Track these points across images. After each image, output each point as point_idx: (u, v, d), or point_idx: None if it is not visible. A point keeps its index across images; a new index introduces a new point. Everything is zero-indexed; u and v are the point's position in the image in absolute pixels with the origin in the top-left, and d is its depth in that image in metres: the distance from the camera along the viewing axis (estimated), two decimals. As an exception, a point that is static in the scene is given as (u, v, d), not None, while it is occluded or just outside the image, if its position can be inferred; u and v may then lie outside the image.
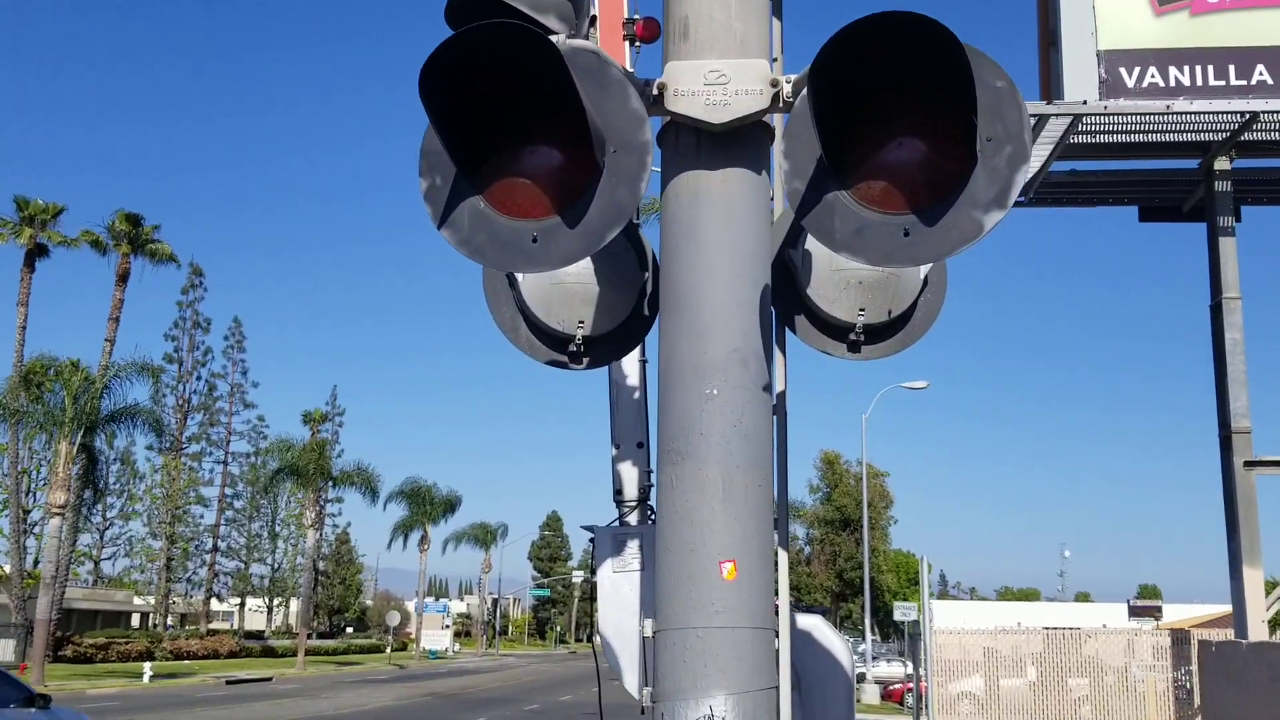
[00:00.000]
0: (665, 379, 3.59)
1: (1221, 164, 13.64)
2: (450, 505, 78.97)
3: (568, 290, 4.13)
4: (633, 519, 5.17)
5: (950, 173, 3.13)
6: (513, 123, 3.25)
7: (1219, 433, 13.09)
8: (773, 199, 4.12)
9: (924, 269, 4.11)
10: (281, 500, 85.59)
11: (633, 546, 4.95)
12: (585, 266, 4.13)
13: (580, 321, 4.14)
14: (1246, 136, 13.66)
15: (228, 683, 44.82)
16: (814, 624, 4.81)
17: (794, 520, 64.59)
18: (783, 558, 4.12)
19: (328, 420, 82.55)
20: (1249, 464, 12.64)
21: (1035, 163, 14.16)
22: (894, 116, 3.15)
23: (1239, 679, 3.33)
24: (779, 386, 4.36)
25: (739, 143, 3.62)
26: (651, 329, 4.36)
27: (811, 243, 4.05)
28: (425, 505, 76.54)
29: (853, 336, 4.09)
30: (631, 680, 4.81)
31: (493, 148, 3.27)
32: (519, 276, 4.13)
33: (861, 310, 4.04)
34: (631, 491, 5.20)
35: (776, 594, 3.94)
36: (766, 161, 3.73)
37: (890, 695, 38.92)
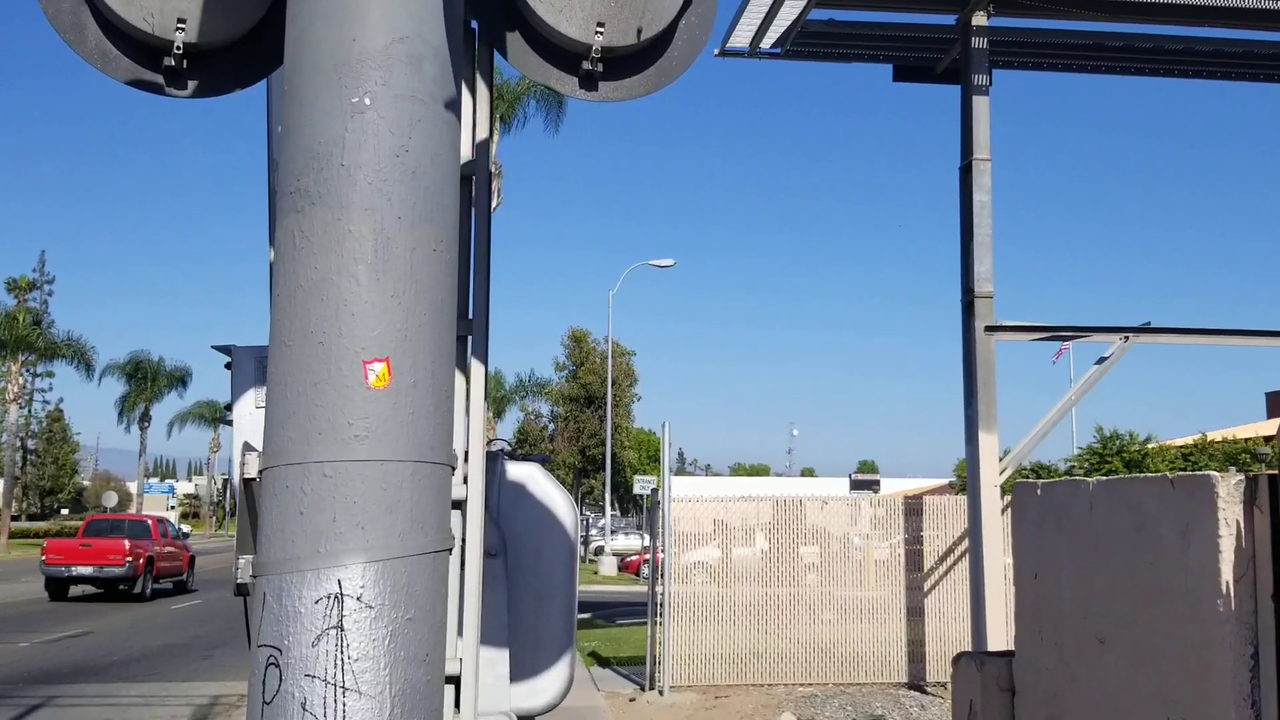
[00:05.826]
0: (291, 83, 2.29)
1: (979, 19, 13.16)
2: (178, 379, 73.94)
3: (159, -32, 2.70)
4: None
5: None
6: None
7: (962, 297, 12.85)
8: None
9: (687, -25, 2.94)
10: (-20, 374, 77.76)
11: (287, 373, 3.66)
12: (185, -70, 2.71)
13: (181, 21, 2.73)
14: (1006, -9, 13.21)
15: (-91, 571, 40.39)
16: (529, 474, 3.70)
17: (540, 398, 64.30)
18: (477, 371, 2.96)
19: (35, 288, 75.30)
20: (990, 329, 12.48)
21: (794, 8, 13.26)
22: None
23: (1081, 527, 2.69)
24: (481, 131, 3.11)
25: None
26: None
27: (530, -80, 2.80)
28: (148, 380, 71.25)
29: (587, 66, 2.89)
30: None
31: None
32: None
33: (600, 27, 2.83)
34: None
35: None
36: None
37: (628, 567, 40.71)
